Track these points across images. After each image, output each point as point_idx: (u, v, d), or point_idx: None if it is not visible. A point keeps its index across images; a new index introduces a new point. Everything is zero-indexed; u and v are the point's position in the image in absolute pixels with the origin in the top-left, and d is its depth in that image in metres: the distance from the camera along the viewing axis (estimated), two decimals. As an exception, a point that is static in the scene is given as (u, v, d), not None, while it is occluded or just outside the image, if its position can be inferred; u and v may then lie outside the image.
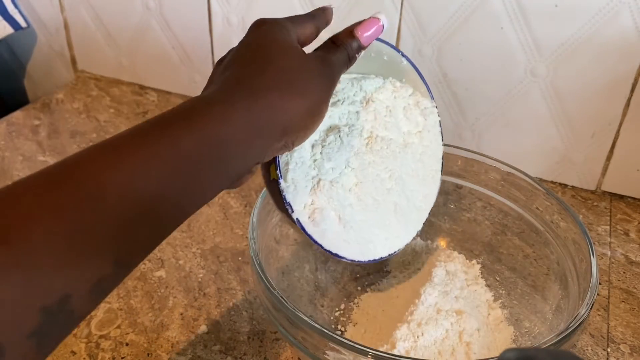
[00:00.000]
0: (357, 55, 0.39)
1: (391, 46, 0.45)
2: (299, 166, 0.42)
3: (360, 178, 0.44)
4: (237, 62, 0.35)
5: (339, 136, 0.44)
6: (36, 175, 0.27)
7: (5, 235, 0.24)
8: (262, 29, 0.37)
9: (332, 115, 0.44)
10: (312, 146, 0.43)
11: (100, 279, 0.27)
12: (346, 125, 0.44)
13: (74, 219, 0.26)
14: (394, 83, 0.47)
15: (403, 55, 0.47)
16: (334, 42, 0.39)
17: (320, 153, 0.43)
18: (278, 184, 0.40)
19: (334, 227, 0.42)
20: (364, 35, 0.39)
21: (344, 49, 0.39)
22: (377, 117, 0.46)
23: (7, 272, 0.24)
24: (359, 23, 0.39)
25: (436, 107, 0.49)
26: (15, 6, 0.88)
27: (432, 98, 0.48)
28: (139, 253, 0.29)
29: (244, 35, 0.37)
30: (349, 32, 0.39)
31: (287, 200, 0.40)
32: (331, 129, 0.44)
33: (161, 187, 0.28)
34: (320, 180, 0.42)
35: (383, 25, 0.40)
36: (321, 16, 0.41)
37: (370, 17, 0.40)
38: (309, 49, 0.39)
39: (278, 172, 0.39)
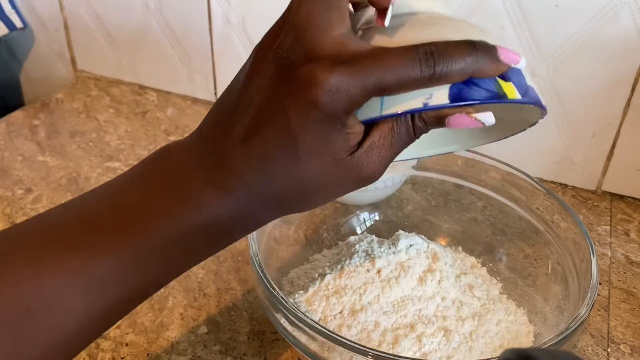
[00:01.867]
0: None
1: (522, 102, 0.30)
2: None
3: None
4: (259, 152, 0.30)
5: None
6: (55, 239, 0.31)
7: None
8: (303, 106, 0.28)
9: None
10: None
11: None
12: None
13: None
14: None
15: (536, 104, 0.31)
16: (416, 121, 0.29)
17: None
18: None
19: None
20: (453, 126, 0.29)
21: (419, 130, 0.30)
22: None
23: None
24: (458, 111, 0.29)
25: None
26: (13, 6, 0.88)
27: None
28: None
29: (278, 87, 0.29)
30: (439, 119, 0.29)
31: None
32: None
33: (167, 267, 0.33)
34: None
35: (483, 123, 0.29)
36: (455, 68, 0.27)
37: (473, 116, 0.29)
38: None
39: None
